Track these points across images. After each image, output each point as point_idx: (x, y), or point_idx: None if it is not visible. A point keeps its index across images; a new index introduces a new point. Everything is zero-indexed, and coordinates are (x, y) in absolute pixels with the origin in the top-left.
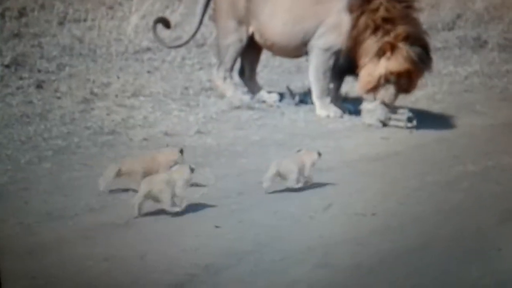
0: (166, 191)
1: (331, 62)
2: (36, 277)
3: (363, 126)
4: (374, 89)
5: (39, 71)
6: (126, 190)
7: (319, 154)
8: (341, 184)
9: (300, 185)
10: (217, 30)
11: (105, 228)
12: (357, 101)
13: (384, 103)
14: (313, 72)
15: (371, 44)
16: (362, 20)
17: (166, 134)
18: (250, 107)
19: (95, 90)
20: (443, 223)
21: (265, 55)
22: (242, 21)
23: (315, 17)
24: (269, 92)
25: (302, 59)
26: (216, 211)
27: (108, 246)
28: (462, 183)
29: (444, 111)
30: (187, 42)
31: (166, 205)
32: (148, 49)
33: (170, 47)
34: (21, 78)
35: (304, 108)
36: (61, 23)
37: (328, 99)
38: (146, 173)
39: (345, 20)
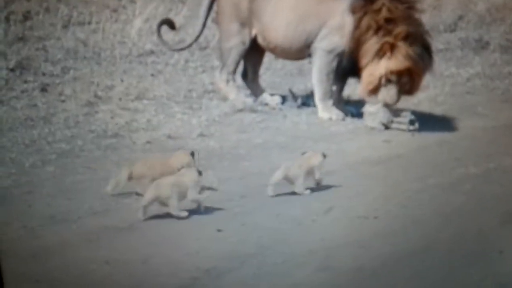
0: (173, 195)
1: (334, 64)
2: (39, 281)
3: (365, 128)
4: (376, 89)
5: (43, 74)
6: (129, 193)
7: (324, 155)
8: (343, 187)
9: (308, 192)
10: (220, 33)
11: (109, 232)
12: (360, 103)
13: (386, 104)
14: (316, 74)
15: (372, 44)
16: (365, 21)
17: (169, 137)
18: (253, 110)
19: (99, 93)
20: (445, 225)
21: (267, 58)
22: (245, 24)
23: (318, 19)
24: (272, 94)
25: (304, 62)
26: (219, 214)
27: (111, 250)
28: (464, 186)
29: (446, 113)
30: (190, 45)
31: (173, 209)
32: (152, 52)
33: (174, 50)
34: (25, 82)
35: (306, 110)
36: (65, 26)
37: (330, 102)
38: (158, 177)
39: (348, 21)
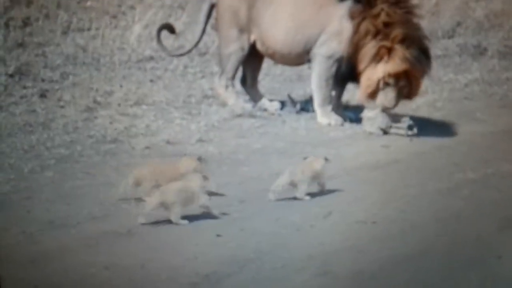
0: (177, 202)
1: (333, 69)
2: (38, 286)
3: (364, 134)
4: (374, 93)
5: (42, 80)
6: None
7: (326, 160)
8: (341, 192)
9: (308, 197)
10: (219, 39)
11: (108, 237)
12: (358, 109)
13: (385, 108)
14: (315, 79)
15: (370, 48)
16: (363, 26)
17: (168, 142)
18: (251, 115)
19: (98, 98)
20: (443, 230)
21: (266, 64)
22: (244, 30)
23: (317, 25)
24: (271, 100)
25: (303, 67)
26: (218, 219)
27: (110, 255)
28: (462, 191)
29: (444, 119)
30: (190, 50)
31: (175, 216)
32: (151, 58)
33: (173, 56)
34: (24, 87)
35: (305, 116)
36: (65, 33)
37: (329, 107)
38: (164, 182)
39: (347, 27)
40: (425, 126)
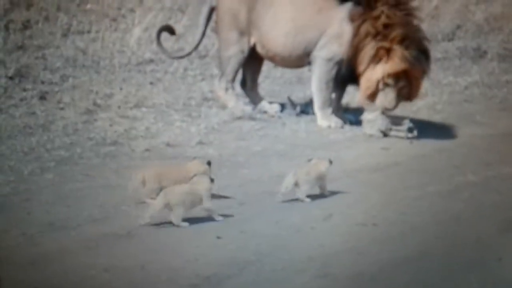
0: (180, 204)
1: (333, 72)
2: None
3: (364, 136)
4: (374, 94)
5: (42, 82)
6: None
7: (330, 162)
8: (342, 194)
9: (308, 200)
10: (219, 42)
11: (108, 239)
12: (358, 111)
13: (385, 109)
14: (315, 82)
15: (369, 49)
16: (363, 28)
17: (168, 145)
18: (251, 118)
19: (98, 101)
20: (443, 232)
21: (266, 66)
22: (244, 33)
23: (317, 28)
24: (271, 102)
25: (303, 70)
26: (218, 221)
27: (110, 257)
28: (462, 193)
29: (444, 121)
30: (190, 53)
31: (176, 218)
32: (151, 60)
33: (173, 58)
34: (24, 90)
35: (305, 118)
36: (64, 35)
37: (329, 110)
38: (171, 184)
39: (347, 30)
40: (425, 129)
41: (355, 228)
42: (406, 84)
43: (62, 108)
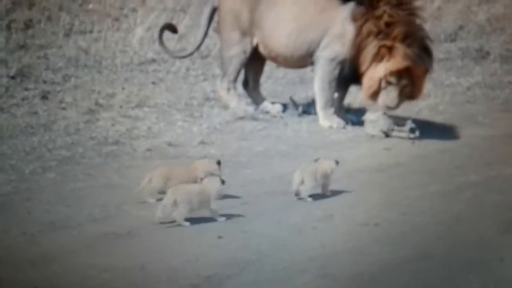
0: (186, 203)
1: (336, 72)
2: (38, 287)
3: (366, 136)
4: (376, 93)
5: (44, 82)
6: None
7: (337, 162)
8: (343, 195)
9: (310, 199)
10: (221, 42)
11: (108, 238)
12: (360, 112)
13: (387, 108)
14: (318, 82)
15: (371, 48)
16: (366, 28)
17: (170, 144)
18: (254, 118)
19: (100, 101)
20: (445, 233)
21: (268, 66)
22: (246, 33)
23: (319, 28)
24: (273, 103)
25: (305, 70)
26: (220, 221)
27: (110, 256)
28: (464, 194)
29: (446, 122)
30: (192, 53)
31: (179, 216)
32: (153, 60)
33: (175, 57)
34: (26, 89)
35: (307, 118)
36: (67, 35)
37: (331, 110)
38: (179, 183)
39: (349, 29)
40: (427, 129)
41: (356, 228)
42: (409, 82)
43: (64, 108)
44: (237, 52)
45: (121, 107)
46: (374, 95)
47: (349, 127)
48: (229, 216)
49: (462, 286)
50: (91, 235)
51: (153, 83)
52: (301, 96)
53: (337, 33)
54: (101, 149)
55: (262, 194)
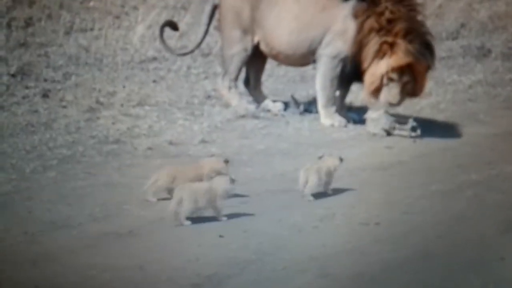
0: (191, 201)
1: (338, 69)
2: (39, 287)
3: (367, 135)
4: (378, 90)
5: (45, 80)
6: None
7: (341, 159)
8: (344, 193)
9: (311, 198)
10: (222, 40)
11: (109, 238)
12: (362, 110)
13: (389, 104)
14: (320, 80)
15: (373, 45)
16: (367, 24)
17: (170, 143)
18: (255, 116)
19: (101, 99)
20: (445, 232)
21: (269, 65)
22: (247, 31)
23: (321, 25)
24: (274, 101)
25: (307, 68)
26: (221, 221)
27: (111, 256)
28: (466, 192)
29: (448, 120)
30: (192, 51)
31: (182, 214)
32: (154, 58)
33: (176, 54)
34: (27, 87)
35: (308, 117)
36: (67, 33)
37: (333, 109)
38: (186, 182)
39: (351, 26)
40: (428, 128)
41: (357, 228)
42: (411, 79)
43: (64, 106)
44: (238, 50)
45: (122, 105)
46: (376, 92)
47: (351, 126)
48: (230, 215)
49: (463, 285)
50: (91, 235)
51: (154, 81)
52: (302, 94)
53: (339, 31)
54: (102, 147)
55: (263, 192)
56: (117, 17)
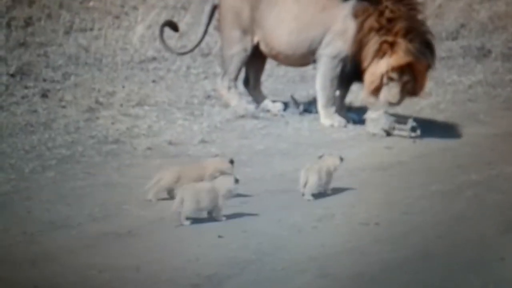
0: (192, 201)
1: (338, 69)
2: (38, 287)
3: (367, 135)
4: (378, 89)
5: (44, 80)
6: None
7: (341, 159)
8: (344, 194)
9: (311, 198)
10: (222, 40)
11: (108, 238)
12: (361, 110)
13: (389, 104)
14: (320, 80)
15: (373, 44)
16: (367, 23)
17: (170, 143)
18: (254, 117)
19: (100, 99)
20: (445, 232)
21: (269, 65)
22: (247, 31)
23: (321, 25)
24: (274, 101)
25: (306, 69)
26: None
27: (110, 256)
28: (466, 193)
29: (448, 121)
30: (191, 50)
31: (182, 214)
32: (154, 58)
33: (175, 53)
34: (26, 87)
35: (308, 117)
36: (67, 33)
37: (333, 109)
38: (190, 182)
39: (351, 26)
40: (428, 128)
41: (357, 228)
42: (411, 78)
43: (63, 106)
44: (238, 50)
45: (121, 105)
46: (376, 91)
47: (350, 126)
48: (229, 216)
49: (463, 285)
50: (91, 235)
51: (154, 81)
52: (301, 95)
53: (339, 30)
54: (101, 147)
55: (262, 192)
56: (117, 17)
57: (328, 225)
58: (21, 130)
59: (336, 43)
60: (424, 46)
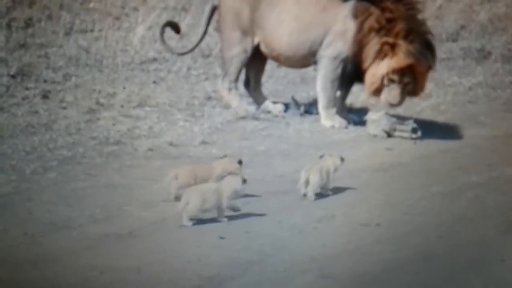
0: (197, 203)
1: (339, 70)
2: None
3: (368, 136)
4: (379, 90)
5: (45, 81)
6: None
7: (342, 159)
8: (345, 194)
9: (313, 198)
10: (222, 41)
11: (109, 239)
12: (362, 111)
13: (390, 105)
14: (321, 81)
15: (374, 45)
16: (367, 24)
17: (171, 144)
18: (255, 118)
19: (101, 100)
20: (446, 233)
21: (270, 66)
22: (247, 32)
23: (321, 26)
24: (274, 102)
25: (307, 70)
26: (221, 222)
27: (111, 257)
28: (466, 194)
29: (448, 122)
30: (191, 50)
31: (186, 214)
32: (154, 59)
33: (175, 53)
34: (27, 88)
35: (309, 118)
36: (67, 34)
37: (333, 110)
38: (199, 183)
39: (351, 26)
40: (429, 129)
41: (358, 228)
42: (411, 79)
43: (64, 107)
44: (238, 51)
45: (122, 106)
46: (377, 92)
47: (351, 127)
48: (230, 217)
49: (463, 286)
50: (92, 236)
51: (154, 82)
52: (302, 96)
53: (339, 31)
54: (102, 148)
55: (263, 193)
56: (117, 18)
57: (329, 226)
58: (22, 131)
59: (336, 44)
60: (424, 47)
